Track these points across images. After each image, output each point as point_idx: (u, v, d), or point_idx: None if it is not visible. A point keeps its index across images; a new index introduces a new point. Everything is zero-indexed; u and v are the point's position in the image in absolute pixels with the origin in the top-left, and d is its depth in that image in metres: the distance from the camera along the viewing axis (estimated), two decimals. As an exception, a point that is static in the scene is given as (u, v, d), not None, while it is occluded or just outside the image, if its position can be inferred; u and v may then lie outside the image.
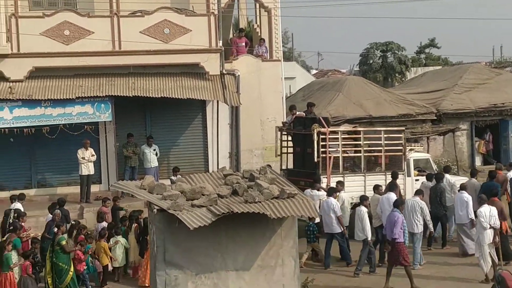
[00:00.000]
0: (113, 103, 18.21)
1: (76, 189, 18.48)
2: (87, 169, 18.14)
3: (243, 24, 26.48)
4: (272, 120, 20.73)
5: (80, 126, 17.97)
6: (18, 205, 15.59)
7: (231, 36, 23.77)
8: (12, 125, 17.46)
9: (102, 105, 18.11)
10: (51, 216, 15.00)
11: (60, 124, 17.76)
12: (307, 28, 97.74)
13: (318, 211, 15.75)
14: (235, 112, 20.17)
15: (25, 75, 18.08)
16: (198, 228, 9.25)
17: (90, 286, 14.07)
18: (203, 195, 10.27)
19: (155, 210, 10.07)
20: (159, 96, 18.39)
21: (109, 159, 19.07)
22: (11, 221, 14.66)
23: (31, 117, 17.59)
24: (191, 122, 20.37)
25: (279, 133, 19.44)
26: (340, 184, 16.56)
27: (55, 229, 13.92)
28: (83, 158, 18.10)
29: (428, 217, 15.22)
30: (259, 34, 22.78)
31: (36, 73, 18.24)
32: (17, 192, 17.38)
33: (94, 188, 18.57)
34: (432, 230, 15.70)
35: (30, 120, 17.58)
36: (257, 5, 22.74)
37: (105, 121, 18.55)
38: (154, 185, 10.85)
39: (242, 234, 10.03)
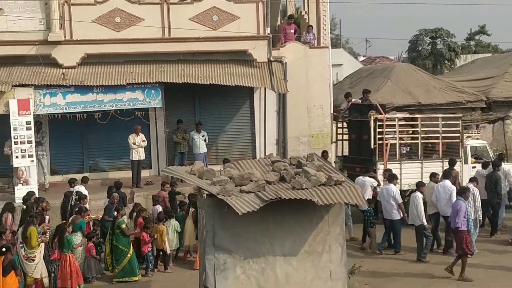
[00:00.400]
0: (163, 90, 18.43)
1: (127, 174, 18.83)
2: (138, 154, 18.48)
3: (290, 10, 26.47)
4: (319, 107, 20.72)
5: (131, 112, 18.22)
6: (81, 188, 16.03)
7: (278, 23, 23.79)
8: (65, 111, 17.81)
9: (152, 91, 18.35)
10: (109, 199, 15.40)
11: (111, 110, 18.01)
12: (355, 14, 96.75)
13: (369, 197, 15.97)
14: (282, 99, 20.24)
15: (77, 61, 18.44)
16: (247, 213, 9.39)
17: (153, 267, 14.48)
18: (251, 181, 10.41)
19: (204, 195, 10.24)
20: (208, 83, 18.55)
21: (159, 144, 19.37)
22: (73, 203, 15.09)
23: (83, 103, 17.91)
24: (238, 109, 20.53)
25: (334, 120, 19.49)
26: (388, 172, 16.54)
27: (115, 213, 14.31)
28: (134, 143, 18.45)
29: (478, 204, 15.13)
30: (307, 21, 22.72)
31: (88, 60, 18.58)
32: (69, 176, 17.91)
33: (145, 173, 18.87)
34: (481, 218, 15.60)
35: (82, 105, 17.90)
36: (306, -9, 22.70)
37: (155, 107, 18.81)
38: (204, 170, 11.04)
39: (289, 220, 10.15)
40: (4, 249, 11.56)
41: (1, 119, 17.44)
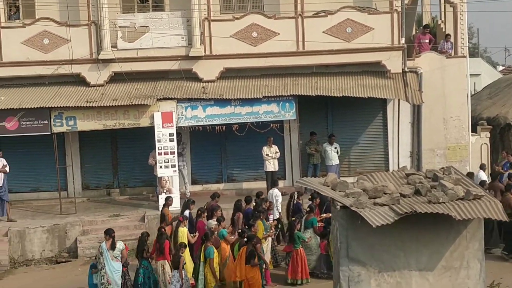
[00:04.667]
0: (297, 102, 18.77)
1: (262, 184, 19.29)
2: (272, 165, 18.94)
3: (426, 20, 25.99)
4: (456, 118, 20.20)
5: (266, 124, 18.67)
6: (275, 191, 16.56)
7: (413, 33, 23.48)
8: (205, 123, 18.58)
9: (287, 104, 18.74)
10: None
11: (248, 122, 18.58)
12: (493, 22, 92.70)
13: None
14: (417, 111, 19.94)
15: (216, 75, 19.22)
16: (381, 226, 9.43)
17: None
18: (385, 193, 10.42)
19: (338, 206, 10.39)
20: (341, 95, 18.66)
21: (293, 156, 19.69)
22: (295, 202, 15.82)
23: (222, 115, 18.59)
24: (371, 121, 20.47)
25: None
26: None
27: None
28: (267, 155, 18.92)
29: None
30: (443, 30, 22.28)
31: (226, 74, 19.32)
32: (209, 186, 18.66)
33: (279, 184, 19.25)
34: None
35: (221, 118, 18.58)
36: (442, 0, 22.24)
37: (289, 120, 19.19)
38: (337, 182, 11.18)
39: (425, 234, 10.06)
40: (245, 240, 12.56)
41: (146, 131, 18.51)
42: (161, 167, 18.11)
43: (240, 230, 13.98)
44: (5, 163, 17.79)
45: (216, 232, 13.93)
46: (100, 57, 18.85)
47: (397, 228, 9.79)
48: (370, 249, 10.17)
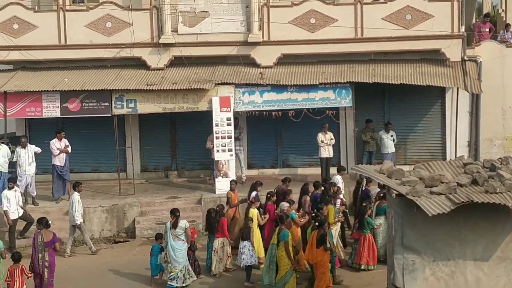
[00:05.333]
0: (354, 89, 18.75)
1: (316, 171, 19.41)
2: (326, 152, 19.01)
3: (487, 9, 25.53)
4: (515, 109, 19.91)
5: (322, 110, 18.70)
6: (337, 177, 16.66)
7: (473, 21, 23.08)
8: (262, 108, 18.74)
9: (343, 91, 18.73)
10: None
11: (304, 108, 18.64)
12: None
13: None
14: (475, 100, 19.65)
15: (274, 61, 19.34)
16: (437, 215, 9.46)
17: None
18: (442, 182, 10.43)
19: (393, 194, 10.45)
20: (398, 83, 18.53)
21: (348, 143, 19.71)
22: (363, 188, 15.99)
23: (279, 101, 18.70)
24: (429, 109, 20.29)
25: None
26: None
27: None
28: (322, 141, 18.99)
29: None
30: (504, 19, 21.87)
31: (284, 60, 19.41)
32: (264, 170, 18.86)
33: (333, 170, 19.15)
34: None
35: (278, 104, 18.70)
36: (504, -12, 21.83)
37: (345, 107, 19.19)
38: (393, 170, 11.23)
39: (481, 224, 10.06)
40: (317, 224, 12.82)
41: (204, 115, 18.83)
42: (218, 151, 18.40)
43: (312, 214, 14.20)
44: (67, 143, 18.35)
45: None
46: (161, 41, 19.18)
47: (453, 218, 9.82)
48: (425, 238, 10.22)
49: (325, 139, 19.04)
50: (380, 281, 12.82)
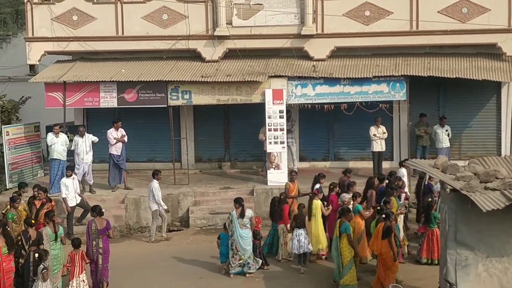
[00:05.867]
0: (408, 83, 18.59)
1: (368, 164, 19.42)
2: (379, 146, 18.95)
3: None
4: None
5: (375, 104, 18.62)
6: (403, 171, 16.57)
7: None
8: (314, 101, 18.75)
9: (397, 84, 18.59)
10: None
11: (357, 101, 18.58)
12: None
13: None
14: (533, 95, 19.34)
15: (327, 54, 19.34)
16: (491, 211, 9.40)
17: None
18: (497, 178, 10.35)
19: (448, 189, 10.42)
20: (454, 76, 18.29)
21: (402, 137, 19.56)
22: (426, 183, 15.93)
23: (331, 94, 18.68)
24: (484, 104, 20.02)
25: None
26: None
27: None
28: (375, 135, 18.93)
29: None
30: None
31: (337, 53, 19.39)
32: (316, 163, 18.93)
33: (385, 165, 19.19)
34: None
35: (330, 97, 18.67)
36: None
37: (399, 100, 19.09)
38: (447, 165, 11.17)
39: (537, 221, 9.95)
40: (383, 216, 12.97)
41: (257, 107, 18.98)
42: (270, 143, 18.54)
43: (377, 207, 14.26)
44: (124, 133, 18.79)
45: (352, 207, 14.22)
46: (216, 33, 19.41)
47: (508, 214, 9.74)
48: (478, 234, 10.16)
49: (378, 132, 18.97)
50: (432, 276, 12.77)
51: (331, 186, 15.41)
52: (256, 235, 14.25)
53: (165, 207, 16.76)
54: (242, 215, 13.89)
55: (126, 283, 13.80)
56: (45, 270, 12.07)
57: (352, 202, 14.35)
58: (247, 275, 13.92)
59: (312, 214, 14.53)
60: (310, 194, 15.06)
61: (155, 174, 16.76)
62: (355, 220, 13.80)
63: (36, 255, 12.22)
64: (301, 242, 13.97)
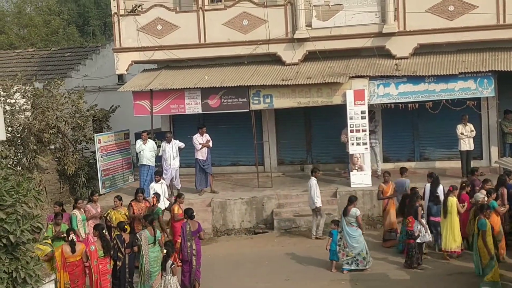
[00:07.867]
0: (496, 78, 17.95)
1: (456, 164, 18.89)
2: (467, 144, 18.38)
3: None
4: None
5: (462, 101, 18.11)
6: None
7: None
8: (397, 101, 18.44)
9: (485, 80, 17.98)
10: None
11: (443, 99, 18.12)
12: None
13: None
14: None
15: (410, 52, 18.97)
16: None
17: None
18: None
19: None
20: (545, 70, 17.57)
21: (491, 135, 18.96)
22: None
23: (415, 93, 18.32)
24: None
25: None
26: None
27: None
28: (462, 133, 18.37)
29: None
30: None
31: (420, 50, 18.98)
32: (400, 164, 18.55)
33: (475, 164, 18.47)
34: None
35: (414, 95, 18.31)
36: None
37: (487, 97, 18.46)
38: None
39: None
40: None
41: (338, 108, 18.84)
42: (352, 144, 18.37)
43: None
44: (209, 138, 19.11)
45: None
46: (295, 36, 19.43)
47: None
48: None
49: (465, 131, 18.41)
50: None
51: (463, 185, 15.16)
52: (411, 235, 14.24)
53: (318, 205, 16.65)
54: (345, 213, 14.28)
55: (215, 284, 14.05)
56: (174, 265, 12.58)
57: (486, 199, 14.12)
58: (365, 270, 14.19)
59: (448, 212, 14.34)
60: (450, 190, 14.69)
61: (313, 171, 17.02)
62: (491, 218, 13.47)
63: (165, 251, 12.70)
64: (423, 233, 14.18)
